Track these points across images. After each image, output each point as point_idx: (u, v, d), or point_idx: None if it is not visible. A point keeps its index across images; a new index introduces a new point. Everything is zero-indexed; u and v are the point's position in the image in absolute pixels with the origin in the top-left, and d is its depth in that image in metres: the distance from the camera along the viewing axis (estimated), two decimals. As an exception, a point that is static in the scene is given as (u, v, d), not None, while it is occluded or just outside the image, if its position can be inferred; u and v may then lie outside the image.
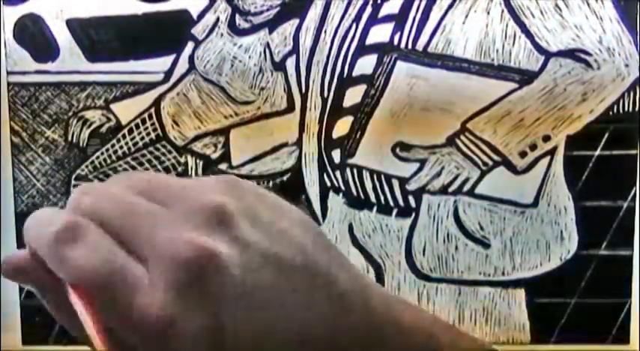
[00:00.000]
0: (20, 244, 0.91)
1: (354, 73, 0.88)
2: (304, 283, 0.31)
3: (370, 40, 0.87)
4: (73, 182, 0.91)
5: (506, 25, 0.86)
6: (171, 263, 0.29)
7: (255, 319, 0.30)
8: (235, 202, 0.32)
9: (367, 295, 0.33)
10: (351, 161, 0.89)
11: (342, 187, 0.89)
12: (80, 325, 0.31)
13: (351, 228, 0.90)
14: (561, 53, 0.86)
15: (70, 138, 0.90)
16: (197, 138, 0.90)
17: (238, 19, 0.89)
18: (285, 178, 0.90)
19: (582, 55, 0.86)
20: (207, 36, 0.88)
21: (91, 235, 0.31)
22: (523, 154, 0.87)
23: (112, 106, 0.90)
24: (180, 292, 0.29)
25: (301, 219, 0.34)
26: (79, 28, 0.89)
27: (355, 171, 0.89)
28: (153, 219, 0.31)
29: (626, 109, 0.87)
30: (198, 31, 0.88)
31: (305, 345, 0.31)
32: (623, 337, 0.90)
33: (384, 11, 0.87)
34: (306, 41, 0.88)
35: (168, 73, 0.89)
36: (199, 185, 0.33)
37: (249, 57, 0.88)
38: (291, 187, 0.90)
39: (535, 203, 0.88)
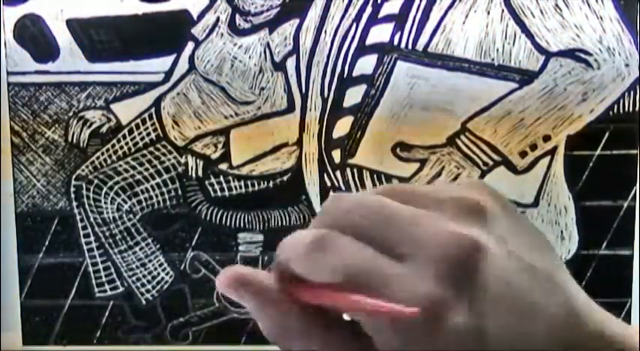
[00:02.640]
0: (20, 244, 0.91)
1: (355, 73, 0.88)
2: (547, 290, 0.31)
3: (370, 40, 0.87)
4: (73, 182, 0.91)
5: (507, 25, 0.86)
6: (441, 256, 0.29)
7: (514, 323, 0.30)
8: (494, 205, 0.32)
9: (591, 303, 0.33)
10: (351, 161, 0.89)
11: (343, 187, 0.89)
12: (297, 337, 0.32)
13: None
14: (561, 53, 0.86)
15: (70, 138, 0.90)
16: (197, 138, 0.90)
17: (238, 19, 0.89)
18: (285, 178, 0.90)
19: (582, 55, 0.86)
20: (208, 36, 0.88)
21: (343, 243, 0.31)
22: (523, 154, 0.87)
23: (112, 107, 0.90)
24: (450, 285, 0.29)
25: (542, 239, 0.34)
26: (79, 28, 0.89)
27: (355, 171, 0.89)
28: (412, 219, 0.31)
29: (626, 109, 0.87)
30: (198, 31, 0.88)
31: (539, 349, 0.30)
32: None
33: (384, 11, 0.87)
34: (306, 41, 0.88)
35: (169, 74, 0.89)
36: (452, 186, 0.33)
37: (250, 57, 0.88)
38: (291, 187, 0.90)
39: (535, 203, 0.88)
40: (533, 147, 0.87)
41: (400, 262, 0.30)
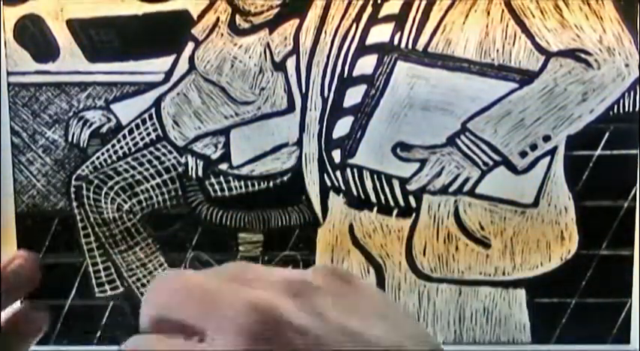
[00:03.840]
0: (20, 244, 0.91)
1: (355, 73, 0.88)
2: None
3: (370, 40, 0.87)
4: (73, 182, 0.91)
5: (507, 25, 0.86)
6: (237, 325, 0.28)
7: None
8: (318, 279, 0.31)
9: None
10: (351, 161, 0.89)
11: (343, 188, 0.90)
12: None
13: (351, 228, 0.90)
14: (561, 53, 0.86)
15: (70, 138, 0.90)
16: (197, 138, 0.90)
17: (238, 20, 0.89)
18: (285, 178, 0.90)
19: (582, 55, 0.86)
20: (208, 36, 0.89)
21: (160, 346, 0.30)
22: (523, 154, 0.87)
23: (113, 107, 0.90)
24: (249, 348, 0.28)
25: (379, 296, 0.33)
26: (79, 28, 0.89)
27: (355, 171, 0.89)
28: (211, 292, 0.30)
29: (626, 109, 0.87)
30: (198, 31, 0.88)
31: None
32: (624, 337, 0.90)
33: (384, 11, 0.87)
34: (306, 41, 0.88)
35: (169, 74, 0.89)
36: (286, 271, 0.32)
37: (250, 57, 0.88)
38: (291, 187, 0.90)
39: (535, 203, 0.88)
40: (534, 147, 0.87)
41: (202, 340, 0.29)
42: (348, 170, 0.89)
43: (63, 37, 0.89)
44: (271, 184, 0.90)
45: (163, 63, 0.89)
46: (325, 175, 0.90)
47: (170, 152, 0.91)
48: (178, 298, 0.31)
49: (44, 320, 0.36)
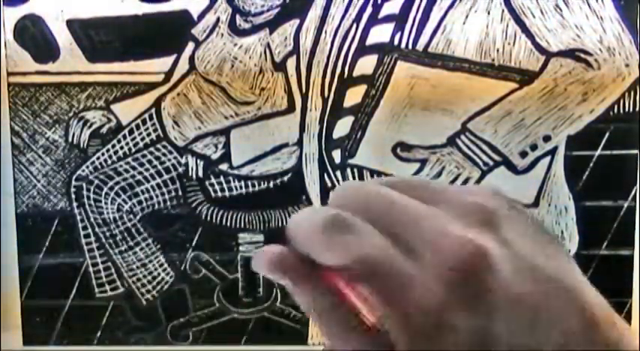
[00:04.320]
0: (21, 244, 0.91)
1: (355, 74, 0.88)
2: (560, 298, 0.31)
3: (370, 40, 0.87)
4: (73, 183, 0.91)
5: (507, 25, 0.86)
6: (446, 260, 0.29)
7: (520, 326, 0.29)
8: (502, 208, 0.32)
9: (611, 312, 0.33)
10: (351, 161, 0.89)
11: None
12: (335, 318, 0.31)
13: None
14: (562, 53, 0.86)
15: (70, 139, 0.90)
16: (198, 138, 0.90)
17: (239, 20, 0.89)
18: (285, 178, 0.90)
19: (583, 55, 0.86)
20: (208, 36, 0.88)
21: (359, 226, 0.30)
22: (524, 154, 0.87)
23: (113, 107, 0.90)
24: (453, 290, 0.29)
25: (553, 242, 0.33)
26: (79, 28, 0.89)
27: (356, 171, 0.89)
28: (420, 215, 0.30)
29: (626, 109, 0.87)
30: (198, 31, 0.88)
31: None
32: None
33: (385, 11, 0.87)
34: (306, 42, 0.88)
35: (169, 74, 0.89)
36: (463, 188, 0.33)
37: (250, 57, 0.88)
38: (291, 187, 0.90)
39: (536, 203, 0.88)
40: (534, 147, 0.87)
41: (409, 258, 0.30)
42: (349, 170, 0.89)
43: (63, 37, 0.89)
44: (271, 184, 0.90)
45: (163, 63, 0.89)
46: (325, 175, 0.90)
47: (170, 152, 0.91)
48: (383, 204, 0.31)
49: None
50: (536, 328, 0.30)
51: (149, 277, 0.92)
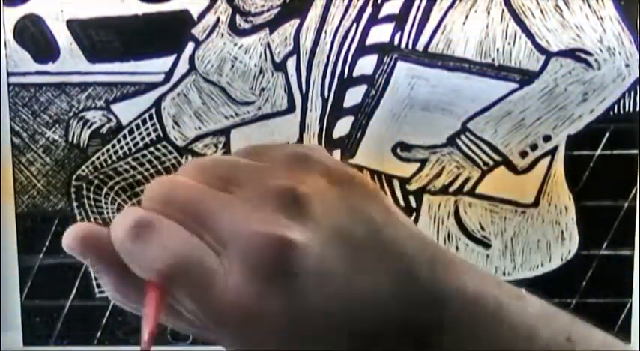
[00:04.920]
0: (20, 244, 0.91)
1: (355, 74, 0.88)
2: (372, 257, 0.31)
3: (370, 40, 0.87)
4: (73, 183, 0.91)
5: (507, 26, 0.86)
6: (250, 255, 0.29)
7: (328, 296, 0.30)
8: (304, 182, 0.32)
9: (433, 264, 0.32)
10: (351, 161, 0.89)
11: (343, 188, 0.89)
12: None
13: (351, 228, 0.90)
14: (562, 53, 0.86)
15: (70, 139, 0.90)
16: (198, 138, 0.90)
17: (239, 20, 0.89)
18: (285, 178, 0.90)
19: (583, 55, 0.86)
20: (208, 36, 0.88)
21: (163, 229, 0.30)
22: (524, 154, 0.87)
23: (113, 107, 0.90)
24: (259, 282, 0.29)
25: (366, 189, 0.33)
26: (79, 28, 0.89)
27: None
28: (225, 204, 0.31)
29: (626, 109, 0.87)
30: (198, 31, 0.88)
31: (375, 320, 0.30)
32: (624, 337, 0.90)
33: (385, 11, 0.87)
34: (306, 42, 0.88)
35: (169, 74, 0.89)
36: (268, 166, 0.33)
37: (250, 57, 0.88)
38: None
39: (536, 203, 0.88)
40: (534, 147, 0.87)
41: (216, 252, 0.30)
42: (349, 170, 0.89)
43: (63, 37, 0.89)
44: (271, 184, 0.90)
45: (163, 63, 0.89)
46: (325, 176, 0.90)
47: (170, 152, 0.91)
48: (189, 196, 0.31)
49: None
50: (353, 301, 0.30)
51: (149, 277, 0.92)
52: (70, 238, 0.33)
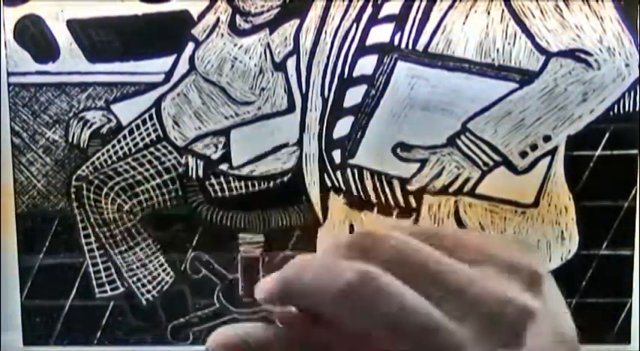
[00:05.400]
0: (21, 244, 0.91)
1: (355, 74, 0.88)
2: None
3: (370, 40, 0.87)
4: (73, 183, 0.91)
5: (507, 26, 0.86)
6: (495, 321, 0.27)
7: None
8: (541, 265, 0.31)
9: None
10: (351, 161, 0.89)
11: (343, 188, 0.90)
12: None
13: (352, 228, 0.90)
14: (562, 53, 0.86)
15: (70, 139, 0.90)
16: (198, 138, 0.90)
17: (239, 20, 0.89)
18: (285, 178, 0.90)
19: (583, 55, 0.86)
20: (208, 36, 0.88)
21: (394, 286, 0.27)
22: (524, 154, 0.87)
23: (113, 107, 0.90)
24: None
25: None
26: (79, 28, 0.89)
27: (356, 171, 0.89)
28: (462, 274, 0.28)
29: (626, 109, 0.87)
30: (198, 31, 0.88)
31: None
32: (624, 337, 0.90)
33: (385, 11, 0.87)
34: (306, 42, 0.88)
35: (169, 74, 0.89)
36: (500, 242, 0.31)
37: (250, 57, 0.88)
38: (291, 187, 0.90)
39: (536, 203, 0.88)
40: (534, 147, 0.87)
41: (454, 321, 0.27)
42: (349, 170, 0.89)
43: (63, 37, 0.89)
44: (272, 184, 0.90)
45: (163, 63, 0.89)
46: (325, 176, 0.90)
47: (170, 153, 0.91)
48: (419, 260, 0.28)
49: None
50: None
51: (149, 277, 0.92)
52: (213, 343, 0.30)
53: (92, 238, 0.92)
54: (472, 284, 0.28)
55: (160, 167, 0.91)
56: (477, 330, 0.27)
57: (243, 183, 0.91)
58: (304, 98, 0.89)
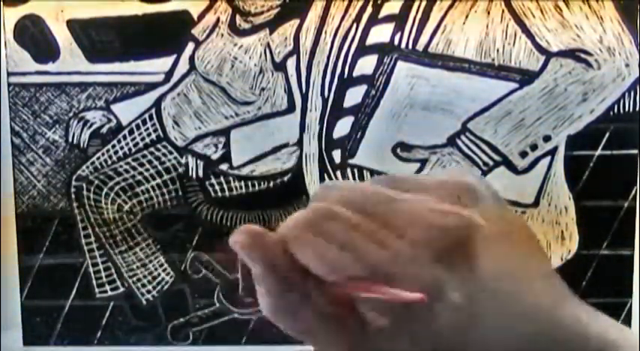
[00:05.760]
0: (21, 244, 0.91)
1: (355, 74, 0.88)
2: (539, 295, 0.33)
3: (370, 40, 0.87)
4: (73, 183, 0.91)
5: (507, 26, 0.86)
6: (436, 233, 0.30)
7: (501, 313, 0.31)
8: (482, 186, 0.34)
9: (558, 308, 0.35)
10: (351, 161, 0.89)
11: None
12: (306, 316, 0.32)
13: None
14: (562, 53, 0.86)
15: (70, 139, 0.90)
16: (198, 138, 0.90)
17: (239, 20, 0.88)
18: (285, 178, 0.90)
19: (583, 55, 0.86)
20: (208, 36, 0.88)
21: (343, 216, 0.30)
22: (524, 154, 0.87)
23: (113, 107, 0.90)
24: (446, 263, 0.29)
25: (530, 236, 0.35)
26: (79, 28, 0.89)
27: (356, 171, 0.89)
28: (404, 199, 0.31)
29: (626, 109, 0.87)
30: (198, 31, 0.88)
31: (530, 338, 0.32)
32: (624, 337, 0.90)
33: (385, 11, 0.87)
34: (306, 42, 0.88)
35: (169, 74, 0.89)
36: (441, 174, 0.35)
37: (250, 57, 0.88)
38: (291, 187, 0.90)
39: (536, 203, 0.88)
40: (534, 147, 0.87)
41: (399, 238, 0.30)
42: (349, 170, 0.89)
43: (63, 37, 0.89)
44: (272, 184, 0.90)
45: (164, 63, 0.89)
46: (325, 175, 0.90)
47: (170, 153, 0.91)
48: (374, 198, 0.32)
49: None
50: (512, 315, 0.31)
51: (149, 277, 0.92)
52: (239, 235, 0.34)
53: (92, 238, 0.92)
54: (411, 204, 0.31)
55: (160, 167, 0.91)
56: (420, 245, 0.30)
57: (243, 183, 0.91)
58: (304, 98, 0.89)
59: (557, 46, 0.86)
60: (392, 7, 0.87)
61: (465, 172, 0.34)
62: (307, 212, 0.31)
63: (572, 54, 0.86)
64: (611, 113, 0.87)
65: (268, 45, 0.88)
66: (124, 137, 0.90)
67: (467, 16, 0.86)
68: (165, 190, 0.91)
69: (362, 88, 0.88)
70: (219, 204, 0.91)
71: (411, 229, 0.30)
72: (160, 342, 0.93)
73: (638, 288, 0.89)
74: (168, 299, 0.93)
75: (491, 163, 0.87)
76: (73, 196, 0.91)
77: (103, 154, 0.91)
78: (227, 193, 0.91)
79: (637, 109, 0.87)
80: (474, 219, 0.30)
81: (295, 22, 0.88)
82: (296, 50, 0.88)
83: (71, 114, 0.90)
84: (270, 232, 0.33)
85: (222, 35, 0.88)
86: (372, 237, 0.30)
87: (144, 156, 0.91)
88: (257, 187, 0.91)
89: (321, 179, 0.90)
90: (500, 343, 0.30)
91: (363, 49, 0.87)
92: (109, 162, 0.91)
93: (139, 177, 0.91)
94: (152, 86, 0.89)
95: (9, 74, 0.89)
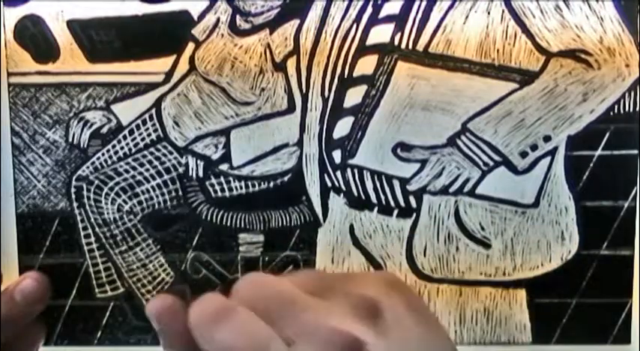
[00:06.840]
0: (21, 245, 0.91)
1: (355, 74, 0.88)
2: None
3: (371, 40, 0.87)
4: (73, 183, 0.91)
5: (507, 26, 0.86)
6: (324, 349, 0.31)
7: None
8: (387, 299, 0.34)
9: None
10: (351, 162, 0.89)
11: (343, 188, 0.90)
12: None
13: (352, 229, 0.90)
14: (562, 53, 0.86)
15: (70, 139, 0.90)
16: (198, 139, 0.90)
17: (239, 20, 0.89)
18: (285, 178, 0.90)
19: (583, 55, 0.86)
20: (208, 37, 0.89)
21: (239, 316, 0.33)
22: (524, 155, 0.87)
23: (113, 107, 0.90)
24: None
25: (442, 338, 0.35)
26: (79, 28, 0.89)
27: (356, 171, 0.89)
28: (310, 304, 0.33)
29: (626, 109, 0.87)
30: (198, 31, 0.88)
31: None
32: (624, 338, 0.90)
33: (385, 11, 0.87)
34: (306, 42, 0.88)
35: (169, 74, 0.89)
36: (356, 279, 0.35)
37: (250, 58, 0.88)
38: (291, 187, 0.90)
39: (536, 203, 0.88)
40: (534, 147, 0.87)
41: (288, 345, 0.31)
42: (349, 170, 0.89)
43: (63, 37, 0.89)
44: (272, 184, 0.90)
45: (163, 63, 0.89)
46: (325, 176, 0.90)
47: (170, 153, 0.91)
48: (274, 295, 0.34)
49: (40, 336, 0.39)
50: None
51: (149, 278, 0.92)
52: (152, 306, 0.36)
53: (92, 239, 0.92)
54: (306, 314, 0.32)
55: (160, 167, 0.91)
56: None
57: (243, 183, 0.91)
58: (304, 98, 0.89)
59: (557, 46, 0.86)
60: (392, 7, 0.87)
61: (382, 282, 0.35)
62: (216, 304, 0.33)
63: (572, 54, 0.86)
64: (611, 113, 0.87)
65: (268, 45, 0.88)
66: (124, 137, 0.91)
67: (467, 16, 0.86)
68: (165, 190, 0.91)
69: (362, 88, 0.88)
70: (219, 204, 0.91)
71: (300, 340, 0.31)
72: (159, 342, 0.93)
73: (638, 288, 0.89)
74: (169, 299, 0.93)
75: (491, 163, 0.87)
76: (73, 196, 0.91)
77: (103, 154, 0.91)
78: (227, 193, 0.91)
79: (637, 109, 0.87)
80: (360, 340, 0.31)
81: (295, 22, 0.88)
82: (296, 50, 0.88)
83: (71, 114, 0.90)
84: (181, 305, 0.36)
85: (222, 35, 0.89)
86: (262, 342, 0.31)
87: (144, 156, 0.91)
88: (257, 187, 0.91)
89: (321, 179, 0.90)
90: None
91: (363, 49, 0.87)
92: (109, 162, 0.91)
93: (139, 177, 0.91)
94: (152, 86, 0.89)
95: (9, 74, 0.89)
